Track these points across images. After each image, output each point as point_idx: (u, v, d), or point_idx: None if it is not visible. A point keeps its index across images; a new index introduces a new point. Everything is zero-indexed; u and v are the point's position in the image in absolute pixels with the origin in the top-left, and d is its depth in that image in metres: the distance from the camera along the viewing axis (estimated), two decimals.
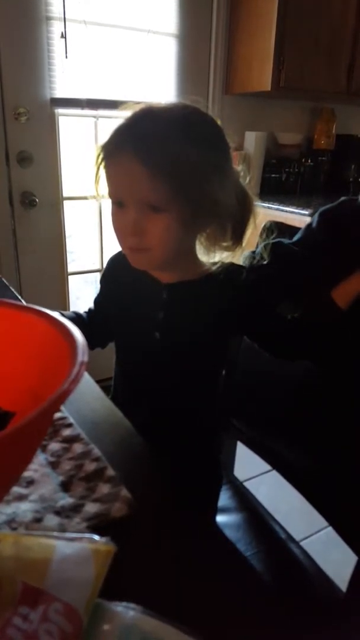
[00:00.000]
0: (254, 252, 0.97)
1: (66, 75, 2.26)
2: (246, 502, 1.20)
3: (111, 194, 0.85)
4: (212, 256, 0.91)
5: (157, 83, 2.51)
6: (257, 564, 1.02)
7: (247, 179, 0.90)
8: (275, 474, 1.16)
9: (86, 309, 1.10)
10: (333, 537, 1.00)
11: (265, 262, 0.93)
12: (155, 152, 0.77)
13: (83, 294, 2.76)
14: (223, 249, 0.89)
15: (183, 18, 2.51)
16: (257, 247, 0.95)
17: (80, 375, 0.46)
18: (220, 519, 1.13)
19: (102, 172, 0.86)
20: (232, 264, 0.90)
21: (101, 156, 0.85)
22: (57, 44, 2.20)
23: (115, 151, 0.81)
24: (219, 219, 0.85)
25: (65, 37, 2.19)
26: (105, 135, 0.84)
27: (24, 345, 0.59)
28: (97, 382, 0.92)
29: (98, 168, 0.86)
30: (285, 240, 1.06)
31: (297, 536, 1.12)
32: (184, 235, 0.86)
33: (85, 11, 2.22)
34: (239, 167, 0.89)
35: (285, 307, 0.99)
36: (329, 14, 2.53)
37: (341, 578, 0.99)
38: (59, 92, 2.27)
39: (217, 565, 0.57)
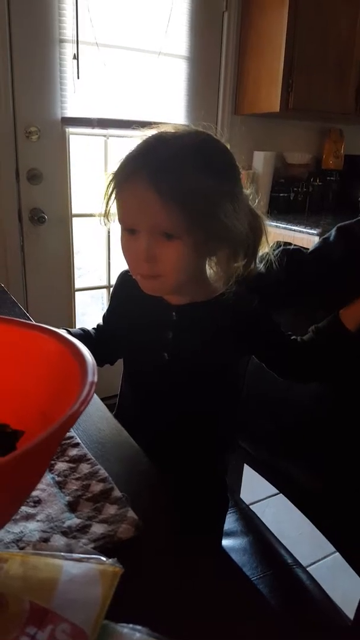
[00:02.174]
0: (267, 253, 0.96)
1: (77, 95, 2.30)
2: (252, 526, 1.18)
3: (123, 221, 0.85)
4: (223, 277, 0.90)
5: (168, 103, 2.54)
6: (263, 588, 1.00)
7: (257, 200, 0.90)
8: (281, 498, 1.15)
9: (95, 325, 1.10)
10: (340, 562, 0.98)
11: (277, 271, 0.92)
12: (169, 181, 0.77)
13: (89, 310, 2.77)
14: (235, 270, 0.89)
15: (193, 40, 2.55)
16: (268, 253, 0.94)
17: (90, 396, 0.46)
18: (226, 542, 1.12)
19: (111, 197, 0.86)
20: (241, 286, 0.90)
21: (112, 183, 0.85)
22: (69, 65, 2.24)
23: (129, 179, 0.81)
24: (231, 243, 0.85)
25: (77, 59, 2.22)
26: (115, 156, 0.84)
27: (34, 364, 0.60)
28: (102, 399, 0.92)
29: (110, 195, 0.86)
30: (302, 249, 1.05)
31: (304, 561, 1.10)
32: (196, 260, 0.87)
33: (98, 33, 2.26)
34: (248, 190, 0.89)
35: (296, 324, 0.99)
36: (337, 36, 2.57)
37: (348, 604, 0.97)
38: (70, 112, 2.31)
39: (223, 588, 0.56)
